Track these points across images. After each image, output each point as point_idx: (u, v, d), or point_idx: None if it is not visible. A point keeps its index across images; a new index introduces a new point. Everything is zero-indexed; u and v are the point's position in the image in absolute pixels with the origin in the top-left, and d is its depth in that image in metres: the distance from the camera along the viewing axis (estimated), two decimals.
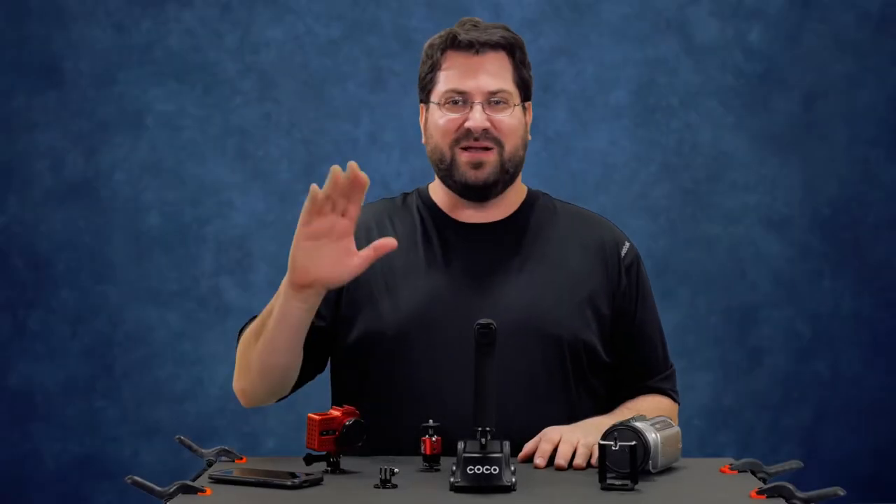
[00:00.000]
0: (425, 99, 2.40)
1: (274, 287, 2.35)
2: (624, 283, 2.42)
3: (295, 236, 2.16)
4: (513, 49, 2.38)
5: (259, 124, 4.35)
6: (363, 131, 4.37)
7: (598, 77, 4.38)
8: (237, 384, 2.37)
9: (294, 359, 2.30)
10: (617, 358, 2.43)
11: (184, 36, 4.33)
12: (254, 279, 4.32)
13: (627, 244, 2.46)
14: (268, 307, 2.29)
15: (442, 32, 2.39)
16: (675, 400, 2.49)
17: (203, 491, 1.95)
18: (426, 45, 2.41)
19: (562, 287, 2.37)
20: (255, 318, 2.36)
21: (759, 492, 1.92)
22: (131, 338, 4.31)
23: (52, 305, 4.30)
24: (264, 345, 2.27)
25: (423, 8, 4.34)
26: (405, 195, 2.49)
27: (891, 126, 4.40)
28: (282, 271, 2.44)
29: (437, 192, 2.44)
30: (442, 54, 2.37)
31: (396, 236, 2.36)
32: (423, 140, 2.42)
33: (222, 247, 4.34)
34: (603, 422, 2.24)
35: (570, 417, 2.32)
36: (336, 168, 2.12)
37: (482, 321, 1.97)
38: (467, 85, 2.34)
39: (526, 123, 2.41)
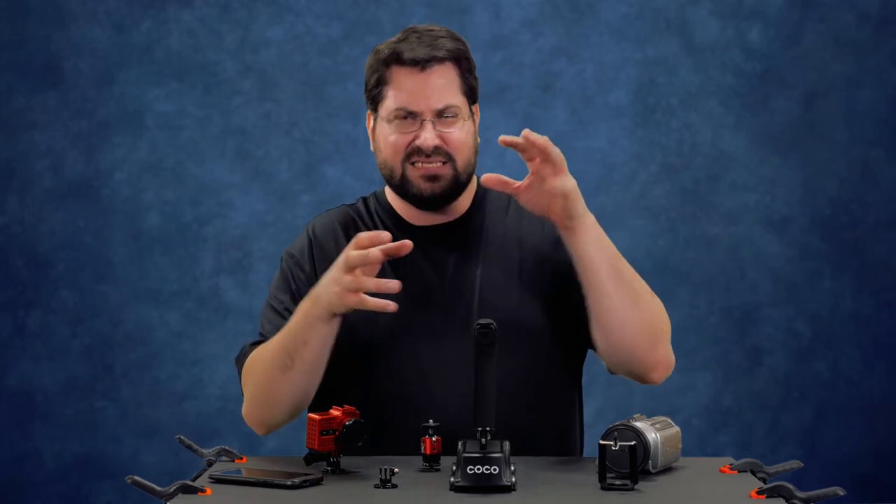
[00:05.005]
0: (373, 108, 2.39)
1: None
2: None
3: (332, 276, 2.19)
4: (459, 59, 2.36)
5: (259, 124, 4.35)
6: (363, 131, 4.35)
7: (598, 77, 4.38)
8: (256, 415, 2.34)
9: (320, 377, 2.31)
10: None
11: (184, 36, 4.33)
12: (254, 279, 4.32)
13: None
14: (281, 338, 2.27)
15: (385, 45, 2.36)
16: None
17: (203, 491, 1.95)
18: (372, 52, 2.38)
19: (529, 271, 2.36)
20: (253, 345, 2.35)
21: (759, 492, 1.92)
22: (131, 338, 4.31)
23: (52, 305, 4.30)
24: (301, 374, 2.25)
25: (423, 8, 4.34)
26: (363, 200, 2.48)
27: (891, 126, 4.40)
28: None
29: (394, 196, 2.43)
30: (388, 69, 2.34)
31: None
32: (372, 147, 2.41)
33: (222, 247, 4.34)
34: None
35: (558, 408, 2.32)
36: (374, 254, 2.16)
37: (482, 321, 1.97)
38: (416, 105, 2.32)
39: (475, 129, 2.39)
